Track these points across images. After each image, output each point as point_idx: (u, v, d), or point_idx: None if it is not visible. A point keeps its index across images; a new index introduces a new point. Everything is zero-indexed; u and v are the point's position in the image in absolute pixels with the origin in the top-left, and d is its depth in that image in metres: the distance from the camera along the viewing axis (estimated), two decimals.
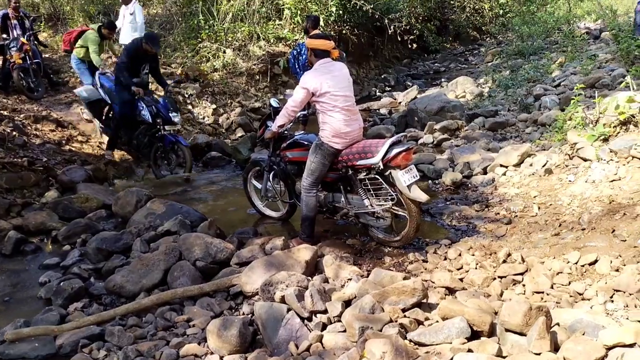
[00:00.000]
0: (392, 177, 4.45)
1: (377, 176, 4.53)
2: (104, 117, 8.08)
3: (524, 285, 3.71)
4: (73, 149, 7.71)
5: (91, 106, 7.98)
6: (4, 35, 9.72)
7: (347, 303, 3.47)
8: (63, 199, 6.08)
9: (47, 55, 11.91)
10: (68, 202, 5.95)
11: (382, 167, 4.42)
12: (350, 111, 4.60)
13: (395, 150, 4.36)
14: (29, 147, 7.06)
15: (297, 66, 7.95)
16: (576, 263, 3.76)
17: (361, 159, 4.51)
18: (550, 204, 5.15)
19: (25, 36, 9.57)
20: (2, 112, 7.86)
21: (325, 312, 3.42)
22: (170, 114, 7.17)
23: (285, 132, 5.25)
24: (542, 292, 3.53)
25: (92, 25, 9.05)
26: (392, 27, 12.95)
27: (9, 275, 4.77)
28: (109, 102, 7.77)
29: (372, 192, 4.64)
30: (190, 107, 10.05)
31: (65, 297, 4.17)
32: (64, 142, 7.83)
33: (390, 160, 4.37)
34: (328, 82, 4.48)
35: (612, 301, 3.21)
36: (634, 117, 5.61)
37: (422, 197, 4.41)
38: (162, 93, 8.12)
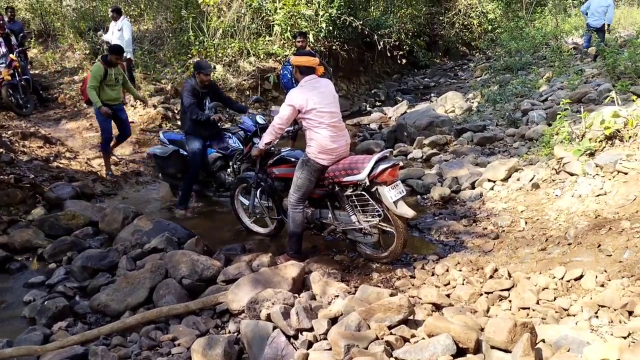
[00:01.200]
0: (378, 194, 4.46)
1: (363, 192, 4.53)
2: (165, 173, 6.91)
3: (510, 301, 3.71)
4: (61, 165, 7.68)
5: (165, 163, 6.66)
6: None
7: (333, 320, 3.44)
8: (49, 216, 6.03)
9: (36, 72, 11.93)
10: (54, 219, 5.91)
11: (368, 183, 4.43)
12: (336, 127, 4.61)
13: (381, 167, 4.38)
14: (16, 164, 7.02)
15: (293, 81, 7.94)
16: (562, 278, 3.76)
17: (347, 175, 4.51)
18: (537, 219, 5.17)
19: (15, 52, 9.57)
20: None
21: (311, 329, 3.40)
22: (258, 122, 6.20)
23: (272, 148, 5.25)
24: (528, 308, 3.52)
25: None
26: (381, 43, 13.05)
27: None
28: (186, 153, 6.51)
29: (359, 208, 4.64)
30: (179, 122, 10.03)
31: (49, 317, 4.12)
32: (51, 158, 7.80)
33: (376, 176, 4.38)
34: (314, 99, 4.49)
35: (597, 317, 3.20)
36: (619, 131, 5.66)
37: (409, 213, 4.42)
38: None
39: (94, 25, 13.94)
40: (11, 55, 9.49)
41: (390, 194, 4.39)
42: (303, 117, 4.58)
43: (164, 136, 6.90)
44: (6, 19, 10.29)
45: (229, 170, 6.34)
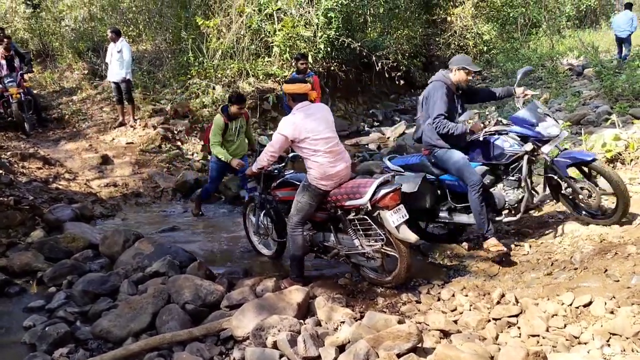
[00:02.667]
0: (380, 218, 4.43)
1: (365, 217, 4.50)
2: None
3: (519, 328, 3.67)
4: (60, 187, 7.64)
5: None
6: None
7: (340, 348, 3.40)
8: (49, 238, 5.97)
9: (35, 92, 11.93)
10: (54, 242, 5.85)
11: (370, 208, 4.40)
12: (333, 152, 4.57)
13: (383, 191, 4.36)
14: (15, 186, 6.98)
15: None
16: (570, 305, 3.73)
17: (349, 199, 4.49)
18: (542, 242, 5.15)
19: (19, 74, 9.67)
20: None
21: (318, 358, 3.36)
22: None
23: (276, 171, 5.24)
24: (538, 336, 3.48)
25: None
26: (379, 64, 13.14)
27: None
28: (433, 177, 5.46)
29: (361, 232, 4.61)
30: (179, 143, 10.05)
31: (50, 343, 4.04)
32: (51, 179, 7.77)
33: (378, 201, 4.36)
34: (307, 127, 4.47)
35: (609, 345, 3.17)
36: (620, 154, 5.68)
37: (412, 237, 4.38)
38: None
39: (92, 45, 14.03)
40: (24, 75, 9.66)
41: (393, 218, 4.36)
42: (297, 146, 4.56)
43: (393, 163, 5.54)
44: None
45: (504, 184, 5.07)
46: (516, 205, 4.99)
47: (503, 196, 5.02)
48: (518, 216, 5.01)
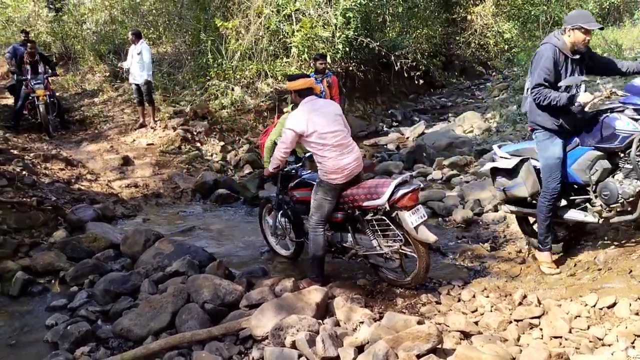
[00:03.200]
0: (399, 218, 4.40)
1: (384, 217, 4.48)
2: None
3: (541, 329, 3.61)
4: (82, 187, 7.73)
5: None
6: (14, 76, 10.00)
7: (359, 349, 3.38)
8: (71, 238, 6.04)
9: (57, 94, 12.10)
10: (76, 241, 5.91)
11: (388, 208, 4.37)
12: (342, 145, 4.56)
13: (401, 192, 4.33)
14: (38, 187, 7.07)
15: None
16: (594, 306, 3.66)
17: (367, 199, 4.47)
18: (564, 243, 5.06)
19: (44, 78, 9.86)
20: (12, 151, 7.92)
21: (337, 358, 3.34)
22: None
23: (293, 171, 5.24)
24: (561, 337, 3.42)
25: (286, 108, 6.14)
26: (398, 64, 13.07)
27: (15, 318, 4.70)
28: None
29: (379, 232, 4.58)
30: (198, 144, 10.11)
31: (71, 341, 4.09)
32: (73, 180, 7.86)
33: (396, 201, 4.33)
34: (314, 121, 4.49)
35: (634, 347, 3.11)
36: None
37: (430, 238, 4.34)
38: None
39: (113, 48, 14.19)
40: (49, 77, 9.83)
41: (411, 219, 4.33)
42: (306, 140, 4.57)
43: (503, 150, 4.95)
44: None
45: (620, 175, 4.24)
46: (632, 199, 4.10)
47: (616, 188, 4.14)
48: (635, 214, 4.13)
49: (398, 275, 4.72)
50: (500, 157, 4.83)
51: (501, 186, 4.75)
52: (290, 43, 12.43)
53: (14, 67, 10.18)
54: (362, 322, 3.80)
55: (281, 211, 5.41)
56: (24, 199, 6.41)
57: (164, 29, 14.84)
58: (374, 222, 4.57)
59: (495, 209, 6.34)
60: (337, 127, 4.59)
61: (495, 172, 4.82)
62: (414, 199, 4.38)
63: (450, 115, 14.45)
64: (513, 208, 4.91)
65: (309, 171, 5.43)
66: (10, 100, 11.19)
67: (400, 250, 4.53)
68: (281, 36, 12.69)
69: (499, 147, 5.03)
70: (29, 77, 9.76)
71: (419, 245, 4.37)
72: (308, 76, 4.85)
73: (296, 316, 3.76)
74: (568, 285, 4.20)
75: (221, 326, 4.09)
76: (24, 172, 7.20)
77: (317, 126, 4.47)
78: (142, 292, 4.77)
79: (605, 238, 4.81)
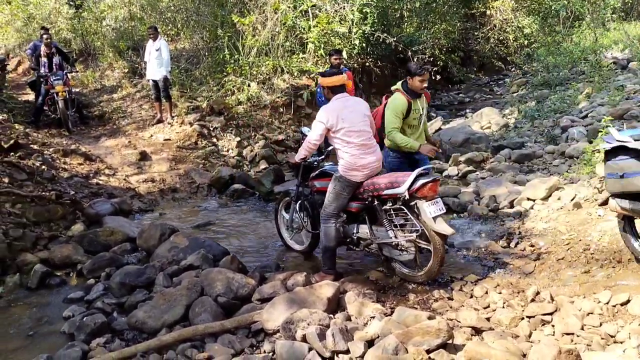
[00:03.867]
0: (417, 208, 4.40)
1: (402, 207, 4.48)
2: None
3: (553, 326, 3.58)
4: (100, 182, 7.84)
5: None
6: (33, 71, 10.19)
7: (369, 343, 3.40)
8: (89, 232, 6.14)
9: (77, 90, 12.27)
10: (93, 235, 6.01)
11: (407, 197, 4.38)
12: (365, 145, 4.65)
13: (421, 181, 4.35)
14: (57, 181, 7.19)
15: None
16: (607, 303, 3.62)
17: (387, 188, 4.50)
18: (580, 240, 5.01)
19: (66, 71, 10.01)
20: (32, 146, 8.05)
21: (347, 352, 3.35)
22: None
23: (315, 162, 5.27)
24: (572, 334, 3.40)
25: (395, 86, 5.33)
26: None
27: (34, 309, 4.79)
28: None
29: (396, 223, 4.59)
30: (214, 140, 10.17)
31: (87, 333, 4.16)
32: (91, 175, 7.98)
33: (416, 190, 4.35)
34: (344, 118, 4.57)
35: None
36: None
37: (447, 230, 4.34)
38: None
39: (132, 44, 14.33)
40: (69, 73, 9.99)
41: (430, 209, 4.34)
42: (332, 135, 4.65)
43: (622, 133, 4.16)
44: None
45: None
46: None
47: None
48: None
49: (411, 270, 4.71)
50: (620, 140, 4.02)
51: (620, 171, 3.93)
52: (307, 39, 12.44)
53: (33, 63, 10.34)
54: (373, 317, 3.82)
55: (299, 202, 5.44)
56: (43, 193, 6.52)
57: (182, 26, 14.94)
58: (392, 212, 4.59)
59: (511, 205, 6.29)
60: (364, 128, 4.67)
61: (615, 152, 4.02)
62: (434, 189, 4.40)
63: (467, 111, 14.33)
64: (626, 204, 4.02)
65: (331, 163, 5.44)
66: (31, 96, 11.37)
67: (416, 241, 4.53)
68: (297, 32, 12.70)
69: (618, 130, 4.31)
70: (45, 70, 9.90)
71: (435, 238, 4.36)
72: (341, 73, 4.89)
73: (307, 310, 3.79)
74: (582, 282, 4.16)
75: (233, 319, 4.13)
76: (43, 167, 7.32)
77: (346, 123, 4.56)
78: (157, 285, 4.83)
79: None
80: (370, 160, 4.64)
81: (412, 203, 4.43)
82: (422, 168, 4.53)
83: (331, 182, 4.80)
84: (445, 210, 4.52)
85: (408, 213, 4.47)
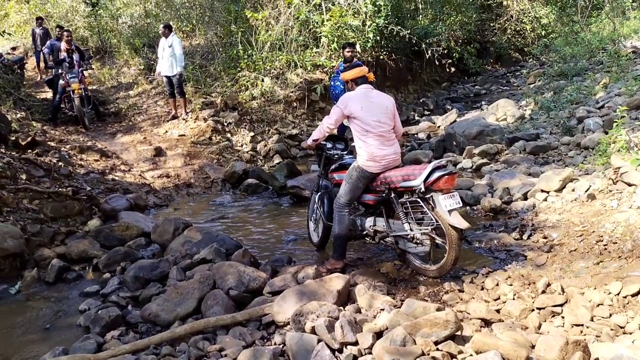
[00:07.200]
0: (433, 201, 4.39)
1: (418, 200, 4.48)
2: None
3: (563, 318, 3.57)
4: (116, 178, 7.94)
5: None
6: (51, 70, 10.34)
7: (378, 334, 3.41)
8: (105, 227, 6.24)
9: (94, 87, 12.43)
10: (109, 230, 6.10)
11: (423, 189, 4.38)
12: (383, 137, 4.67)
13: (437, 174, 4.34)
14: (73, 177, 7.30)
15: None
16: (618, 294, 3.59)
17: (404, 181, 4.51)
18: (593, 231, 4.96)
19: (81, 69, 10.16)
20: (49, 143, 8.19)
21: (356, 343, 3.37)
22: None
23: (336, 156, 5.29)
24: (582, 325, 3.38)
25: None
26: (430, 52, 12.94)
27: (51, 303, 4.88)
28: None
29: (412, 216, 4.59)
30: (228, 135, 10.24)
31: (102, 325, 4.23)
32: (107, 171, 8.09)
33: (432, 183, 4.34)
34: (363, 106, 4.62)
35: None
36: None
37: (463, 224, 4.31)
38: None
39: (148, 41, 14.46)
40: (84, 71, 10.14)
41: (446, 202, 4.33)
42: (352, 123, 4.72)
43: None
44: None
45: None
46: None
47: None
48: None
49: (424, 264, 4.70)
50: None
51: None
52: (320, 33, 12.43)
53: (52, 62, 10.49)
54: (382, 309, 3.83)
55: (319, 194, 5.47)
56: (60, 189, 6.63)
57: (197, 21, 15.03)
58: (408, 205, 4.59)
59: (525, 198, 6.25)
60: (384, 119, 4.70)
61: None
62: (451, 182, 4.38)
63: (483, 103, 14.23)
64: None
65: (350, 156, 5.46)
66: (49, 94, 11.55)
67: (431, 235, 4.52)
68: (311, 26, 12.70)
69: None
70: (66, 65, 10.04)
71: (451, 232, 4.32)
72: (361, 65, 4.95)
73: (316, 302, 3.81)
74: (594, 273, 4.13)
75: (245, 312, 4.17)
76: (60, 163, 7.44)
77: (364, 111, 4.62)
78: (171, 279, 4.89)
79: None
80: (388, 152, 4.66)
81: (428, 196, 4.42)
82: (438, 161, 4.52)
83: (348, 172, 4.83)
84: (461, 204, 4.49)
85: (424, 206, 4.47)
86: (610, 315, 3.42)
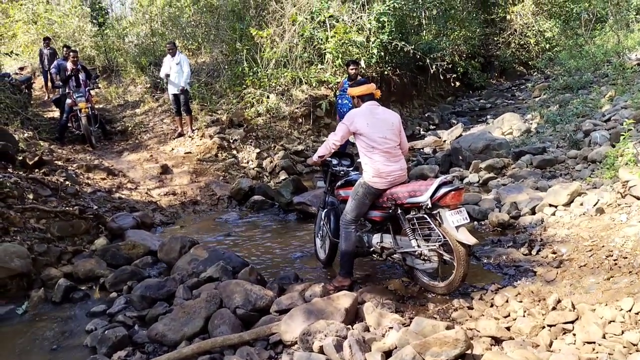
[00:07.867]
0: (440, 217, 4.36)
1: (425, 216, 4.45)
2: None
3: (574, 335, 3.51)
4: (122, 196, 7.96)
5: None
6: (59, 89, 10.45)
7: (387, 354, 3.37)
8: (111, 246, 6.23)
9: (100, 106, 12.52)
10: (116, 249, 6.10)
11: (430, 205, 4.35)
12: (390, 153, 4.66)
13: (444, 189, 4.31)
14: (80, 196, 7.32)
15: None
16: (630, 310, 3.54)
17: (410, 197, 4.49)
18: (603, 246, 4.91)
19: (88, 88, 10.26)
20: (56, 162, 8.22)
21: None
22: None
23: (342, 172, 5.28)
24: (594, 343, 3.33)
25: None
26: (434, 66, 12.97)
27: (58, 323, 4.86)
28: None
29: (419, 232, 4.56)
30: (234, 152, 10.26)
31: (109, 346, 4.20)
32: (114, 189, 8.10)
33: (439, 199, 4.31)
34: (369, 122, 4.62)
35: None
36: None
37: (471, 240, 4.27)
38: None
39: (154, 60, 14.58)
40: (90, 91, 10.25)
41: (453, 218, 4.29)
42: (357, 139, 4.72)
43: None
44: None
45: None
46: None
47: None
48: None
49: (432, 280, 4.66)
50: None
51: None
52: (325, 49, 12.50)
53: (59, 82, 10.58)
54: (391, 328, 3.79)
55: (325, 210, 5.45)
56: (67, 208, 6.64)
57: (203, 40, 15.16)
58: (415, 222, 4.56)
59: (533, 212, 6.20)
60: (389, 135, 4.70)
61: None
62: (457, 198, 4.35)
63: (488, 117, 14.21)
64: None
65: (357, 172, 5.45)
66: (56, 113, 11.64)
67: (438, 251, 4.48)
68: (315, 43, 12.78)
69: None
70: (73, 84, 10.13)
71: (459, 248, 4.29)
72: (369, 82, 4.97)
73: (324, 321, 3.78)
74: (604, 289, 4.08)
75: (252, 331, 4.14)
76: (67, 182, 7.47)
77: (370, 128, 4.62)
78: (177, 298, 4.86)
79: None
80: (394, 168, 4.65)
81: (435, 212, 4.39)
82: (444, 176, 4.50)
83: (354, 189, 4.81)
84: (469, 220, 4.46)
85: (431, 222, 4.43)
86: (623, 332, 3.36)
